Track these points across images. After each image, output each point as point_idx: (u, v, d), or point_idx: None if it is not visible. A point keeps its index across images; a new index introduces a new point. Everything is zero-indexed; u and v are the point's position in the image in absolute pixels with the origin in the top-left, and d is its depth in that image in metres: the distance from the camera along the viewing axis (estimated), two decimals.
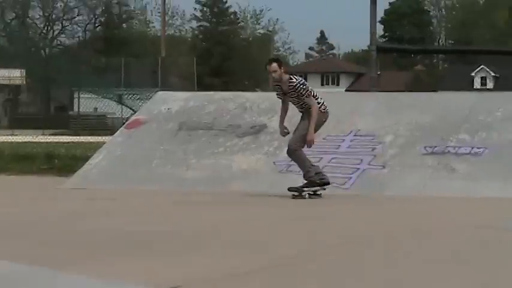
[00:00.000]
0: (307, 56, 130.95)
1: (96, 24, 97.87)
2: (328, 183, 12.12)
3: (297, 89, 11.91)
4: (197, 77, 69.85)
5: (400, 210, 11.16)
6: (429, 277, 5.88)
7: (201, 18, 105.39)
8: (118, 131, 16.42)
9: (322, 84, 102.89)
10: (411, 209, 11.23)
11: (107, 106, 60.99)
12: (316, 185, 11.92)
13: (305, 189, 11.96)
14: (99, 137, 28.90)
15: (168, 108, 15.39)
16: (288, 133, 12.29)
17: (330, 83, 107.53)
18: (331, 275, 6.13)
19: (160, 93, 18.12)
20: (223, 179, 14.22)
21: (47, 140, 32.67)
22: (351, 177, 13.32)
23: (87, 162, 15.06)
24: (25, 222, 9.79)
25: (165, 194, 12.61)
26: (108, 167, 14.48)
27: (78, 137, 35.37)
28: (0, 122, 72.04)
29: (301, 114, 12.40)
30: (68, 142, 29.47)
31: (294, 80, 11.97)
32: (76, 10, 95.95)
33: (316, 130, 12.12)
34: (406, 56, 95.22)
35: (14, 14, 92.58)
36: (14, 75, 62.12)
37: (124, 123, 17.79)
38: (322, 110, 12.18)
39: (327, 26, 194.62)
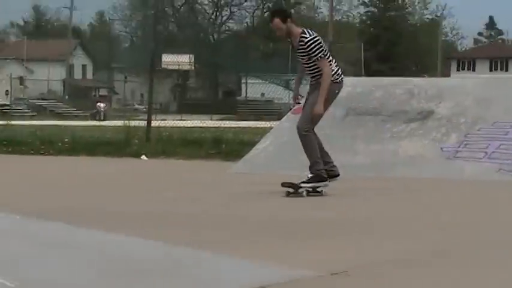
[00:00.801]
0: (476, 41, 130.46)
1: (264, 10, 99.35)
2: (338, 175, 10.49)
3: (307, 47, 10.09)
4: (364, 63, 70.07)
5: None
6: None
7: (368, 3, 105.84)
8: (285, 117, 16.62)
9: (490, 70, 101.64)
10: None
11: (274, 91, 61.91)
12: (323, 179, 10.16)
13: (303, 185, 10.13)
14: (266, 122, 29.43)
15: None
16: (299, 103, 11.16)
17: (499, 68, 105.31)
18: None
19: None
20: (388, 165, 14.14)
21: (215, 125, 33.53)
22: None
23: (254, 148, 15.39)
24: (187, 206, 10.02)
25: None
26: (274, 153, 14.67)
27: (245, 122, 36.13)
28: (169, 107, 74.26)
29: (311, 83, 10.70)
30: (235, 127, 30.30)
31: (307, 34, 10.16)
32: None
33: (328, 104, 10.42)
34: None
35: (183, 0, 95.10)
36: (183, 60, 64.04)
37: (291, 109, 18.00)
38: (335, 80, 10.40)
39: (496, 12, 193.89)
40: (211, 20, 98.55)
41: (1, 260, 6.47)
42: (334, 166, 10.34)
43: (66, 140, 20.90)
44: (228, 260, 6.21)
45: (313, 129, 10.21)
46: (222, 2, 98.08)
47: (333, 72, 10.16)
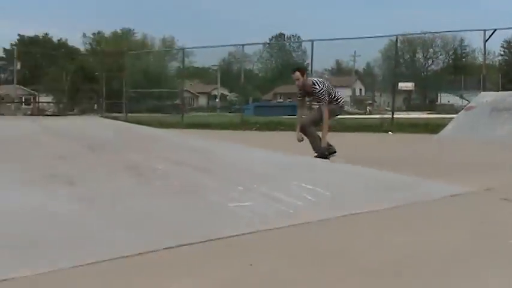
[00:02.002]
0: None
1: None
2: (335, 152, 13.16)
3: (318, 95, 13.04)
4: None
5: None
6: None
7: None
8: (461, 111, 23.54)
9: None
10: None
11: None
12: (325, 157, 12.56)
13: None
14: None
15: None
16: (303, 140, 13.44)
17: None
18: None
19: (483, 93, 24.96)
20: None
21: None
22: None
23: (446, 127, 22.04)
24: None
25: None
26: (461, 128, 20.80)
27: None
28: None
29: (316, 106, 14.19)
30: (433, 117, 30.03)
31: (317, 87, 13.03)
32: None
33: (331, 117, 13.49)
34: None
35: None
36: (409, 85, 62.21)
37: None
38: (337, 104, 13.44)
39: None
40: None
41: None
42: (331, 145, 13.34)
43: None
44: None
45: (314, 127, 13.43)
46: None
47: (335, 98, 13.35)
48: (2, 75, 48.26)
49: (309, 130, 13.20)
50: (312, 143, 13.09)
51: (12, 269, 4.21)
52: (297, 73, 13.23)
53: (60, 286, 4.09)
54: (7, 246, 4.55)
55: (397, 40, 34.74)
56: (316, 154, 12.71)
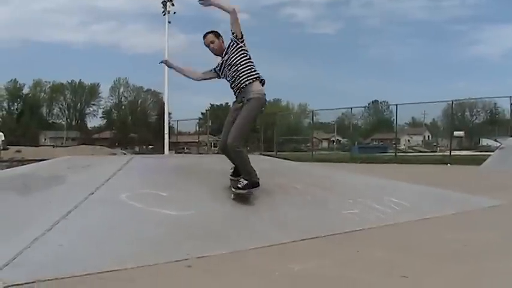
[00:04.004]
0: None
1: None
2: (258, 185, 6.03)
3: (236, 49, 5.99)
4: None
5: None
6: None
7: None
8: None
9: None
10: None
11: None
12: (256, 185, 5.99)
13: (239, 191, 5.89)
14: None
15: None
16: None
17: None
18: None
19: (510, 138, 24.01)
20: None
21: None
22: None
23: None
24: None
25: None
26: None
27: None
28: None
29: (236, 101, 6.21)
30: None
31: (242, 45, 6.04)
32: None
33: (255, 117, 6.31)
34: None
35: None
36: None
37: None
38: (259, 94, 6.05)
39: None
40: None
41: None
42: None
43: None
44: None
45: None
46: None
47: (259, 80, 6.06)
48: (199, 129, 50.26)
49: (238, 154, 6.00)
50: (243, 166, 5.99)
51: (205, 250, 4.33)
52: (210, 35, 6.21)
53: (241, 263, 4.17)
54: (205, 235, 4.66)
55: (452, 103, 34.15)
56: (245, 182, 5.91)
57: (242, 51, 6.03)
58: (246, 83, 5.96)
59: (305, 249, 4.69)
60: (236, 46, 6.02)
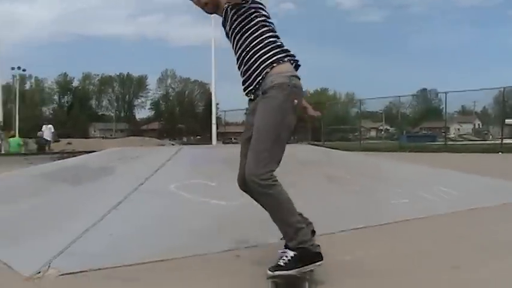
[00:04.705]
0: None
1: None
2: (321, 258, 3.21)
3: (240, 14, 3.30)
4: None
5: None
6: None
7: None
8: None
9: None
10: None
11: None
12: (316, 258, 3.19)
13: (278, 272, 3.07)
14: None
15: None
16: None
17: None
18: None
19: None
20: None
21: None
22: None
23: None
24: None
25: None
26: None
27: None
28: None
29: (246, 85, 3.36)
30: None
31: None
32: None
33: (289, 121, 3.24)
34: None
35: None
36: None
37: None
38: (284, 78, 3.22)
39: None
40: None
41: None
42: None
43: None
44: None
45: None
46: None
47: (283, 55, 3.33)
48: None
49: (267, 193, 3.20)
50: (277, 215, 3.28)
51: (253, 240, 4.33)
52: None
53: None
54: (253, 225, 4.66)
55: (504, 90, 33.48)
56: (292, 253, 3.13)
57: (254, 14, 3.31)
58: (261, 69, 3.25)
59: (355, 239, 4.65)
60: (239, 11, 3.32)
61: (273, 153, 3.20)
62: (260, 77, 3.28)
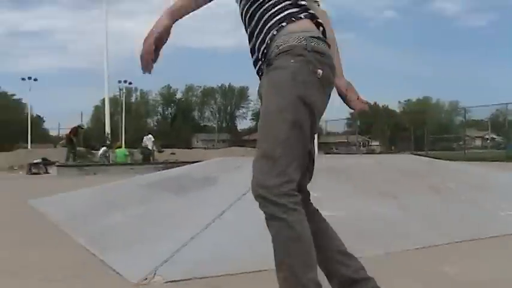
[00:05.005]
0: None
1: None
2: None
3: None
4: None
5: None
6: None
7: None
8: None
9: None
10: None
11: None
12: None
13: None
14: None
15: None
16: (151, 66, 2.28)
17: None
18: None
19: None
20: None
21: None
22: None
23: None
24: None
25: None
26: None
27: None
28: None
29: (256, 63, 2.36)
30: None
31: None
32: None
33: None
34: None
35: None
36: None
37: None
38: (298, 40, 2.14)
39: None
40: None
41: None
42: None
43: None
44: None
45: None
46: None
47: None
48: (348, 128, 50.49)
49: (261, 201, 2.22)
50: (276, 247, 2.42)
51: (358, 251, 4.29)
52: None
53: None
54: (357, 236, 4.61)
55: None
56: None
57: None
58: (266, 30, 2.30)
59: (460, 252, 4.49)
60: None
61: (286, 153, 2.14)
62: (264, 44, 2.27)
